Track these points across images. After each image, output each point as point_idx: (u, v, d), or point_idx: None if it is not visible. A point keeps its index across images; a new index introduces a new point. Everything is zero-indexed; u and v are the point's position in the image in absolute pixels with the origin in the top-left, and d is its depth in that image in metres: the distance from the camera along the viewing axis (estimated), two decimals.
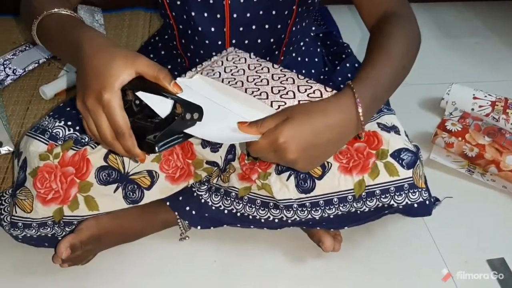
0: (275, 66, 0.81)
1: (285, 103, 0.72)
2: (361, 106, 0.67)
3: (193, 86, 0.74)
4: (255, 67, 0.81)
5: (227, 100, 0.73)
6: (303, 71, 1.01)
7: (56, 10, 0.71)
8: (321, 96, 0.74)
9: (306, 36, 1.01)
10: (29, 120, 1.24)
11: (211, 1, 0.84)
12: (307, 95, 0.74)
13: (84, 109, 0.63)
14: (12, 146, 1.13)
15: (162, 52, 1.03)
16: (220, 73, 0.79)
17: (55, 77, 1.37)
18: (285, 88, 0.76)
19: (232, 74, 0.79)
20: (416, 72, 1.42)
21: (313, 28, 1.06)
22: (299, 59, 1.01)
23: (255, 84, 0.77)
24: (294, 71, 0.79)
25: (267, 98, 0.74)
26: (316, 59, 1.04)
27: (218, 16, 0.86)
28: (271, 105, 0.72)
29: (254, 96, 0.74)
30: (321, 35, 1.11)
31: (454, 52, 1.60)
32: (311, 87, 0.76)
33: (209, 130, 0.67)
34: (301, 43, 0.99)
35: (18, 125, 1.22)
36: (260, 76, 0.79)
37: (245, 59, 0.83)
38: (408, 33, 0.79)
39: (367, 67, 0.73)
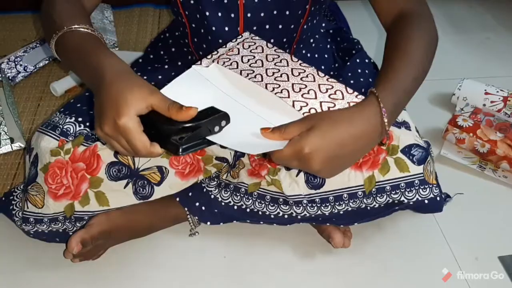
0: (294, 58, 0.79)
1: (307, 104, 0.71)
2: (386, 115, 0.66)
3: (210, 77, 0.74)
4: (273, 59, 0.78)
5: (248, 99, 0.72)
6: (313, 67, 1.00)
7: (76, 26, 0.71)
8: (343, 97, 0.71)
9: (316, 32, 1.00)
10: (40, 116, 1.25)
11: (225, 1, 0.84)
12: (329, 96, 0.72)
13: (104, 135, 0.63)
14: (23, 142, 1.14)
15: (173, 49, 1.03)
16: (237, 63, 0.77)
17: (65, 73, 1.38)
18: (306, 86, 0.74)
19: (250, 66, 0.77)
20: None
21: (323, 24, 1.06)
22: (308, 55, 1.00)
23: (275, 79, 0.75)
24: (313, 66, 0.78)
25: (289, 97, 0.72)
26: (326, 55, 1.03)
27: (232, 15, 0.85)
28: (293, 105, 0.70)
29: (275, 93, 0.72)
30: (331, 31, 1.10)
31: (465, 48, 1.58)
32: (332, 86, 0.73)
33: (230, 137, 0.66)
34: (311, 40, 0.99)
35: (29, 121, 1.23)
36: (279, 70, 0.76)
37: (262, 48, 0.80)
38: (427, 34, 0.77)
39: (388, 71, 0.72)
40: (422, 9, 0.81)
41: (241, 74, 0.75)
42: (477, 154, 1.12)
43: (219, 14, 0.85)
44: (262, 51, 0.79)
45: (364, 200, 0.85)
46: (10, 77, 1.34)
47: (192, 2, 0.85)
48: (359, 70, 0.98)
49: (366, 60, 1.01)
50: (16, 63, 1.38)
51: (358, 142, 0.65)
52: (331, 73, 1.01)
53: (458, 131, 1.14)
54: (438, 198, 0.85)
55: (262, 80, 0.74)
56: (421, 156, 0.83)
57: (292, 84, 0.74)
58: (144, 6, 1.71)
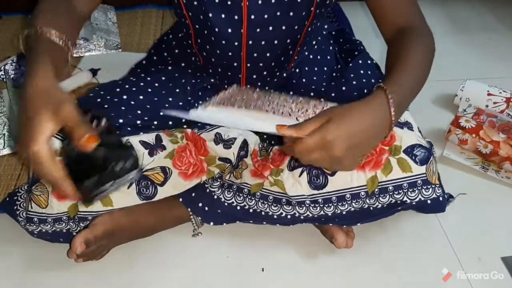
0: (288, 99, 0.81)
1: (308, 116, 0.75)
2: (393, 106, 0.71)
3: (208, 116, 0.76)
4: (265, 96, 0.82)
5: (247, 120, 0.74)
6: (315, 69, 1.01)
7: (43, 29, 0.71)
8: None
9: (319, 34, 1.01)
10: None
11: (229, 3, 0.84)
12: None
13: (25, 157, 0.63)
14: None
15: (176, 51, 1.03)
16: (232, 105, 0.79)
17: (69, 75, 1.38)
18: (303, 107, 0.77)
19: (244, 105, 0.79)
20: None
21: (326, 26, 1.06)
22: (311, 56, 1.01)
23: (272, 107, 0.78)
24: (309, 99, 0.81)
25: (290, 116, 0.76)
26: (328, 57, 1.03)
27: (236, 17, 0.85)
28: (296, 120, 0.74)
29: (274, 113, 0.76)
30: (333, 32, 1.11)
31: (468, 48, 1.58)
32: (327, 104, 0.78)
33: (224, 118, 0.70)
34: (314, 42, 0.99)
35: None
36: (275, 101, 0.80)
37: (253, 91, 0.84)
38: (427, 48, 0.83)
39: (393, 73, 0.76)
40: (421, 24, 0.86)
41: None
42: (479, 155, 1.12)
43: (223, 15, 0.85)
44: (253, 93, 0.82)
45: (367, 201, 0.85)
46: (14, 78, 1.34)
47: (195, 3, 0.86)
48: (362, 71, 0.98)
49: (369, 61, 1.01)
50: (21, 64, 1.38)
51: (373, 128, 0.70)
52: (334, 74, 1.01)
53: (461, 132, 1.14)
54: (440, 198, 0.85)
55: (261, 108, 0.78)
56: (423, 156, 0.83)
57: (290, 108, 0.78)
58: (147, 7, 1.72)
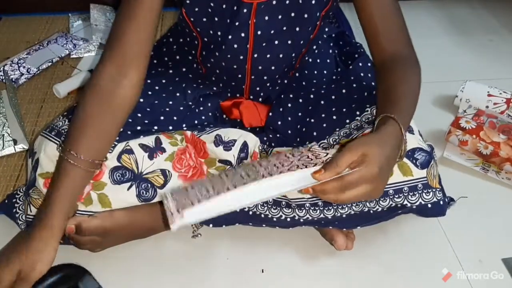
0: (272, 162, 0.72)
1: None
2: (405, 133, 0.75)
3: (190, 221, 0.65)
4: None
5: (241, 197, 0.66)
6: (315, 72, 1.01)
7: (73, 154, 0.78)
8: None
9: (319, 38, 1.01)
10: (43, 118, 1.25)
11: (237, 24, 0.85)
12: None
13: None
14: (26, 144, 1.14)
15: (177, 57, 1.03)
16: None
17: (68, 76, 1.38)
18: (300, 157, 0.73)
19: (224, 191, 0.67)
20: (429, 69, 1.40)
21: (326, 29, 1.06)
22: (310, 60, 1.01)
23: (262, 173, 0.69)
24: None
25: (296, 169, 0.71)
26: (328, 60, 1.04)
27: (243, 35, 0.86)
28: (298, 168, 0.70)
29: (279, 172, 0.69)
30: (333, 35, 1.10)
31: (468, 50, 1.58)
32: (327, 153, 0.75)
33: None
34: (314, 46, 0.99)
35: (32, 123, 1.24)
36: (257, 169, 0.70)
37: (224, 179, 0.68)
38: (418, 75, 0.86)
39: (398, 105, 0.79)
40: (412, 53, 0.89)
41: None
42: (480, 156, 1.12)
43: (230, 36, 0.86)
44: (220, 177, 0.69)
45: (367, 204, 0.85)
46: (13, 79, 1.34)
47: (204, 20, 0.86)
48: (362, 74, 0.98)
49: (369, 64, 1.01)
50: (20, 65, 1.38)
51: (394, 156, 0.74)
52: (333, 77, 1.01)
53: (461, 133, 1.14)
54: (441, 202, 0.85)
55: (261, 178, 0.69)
56: (424, 160, 0.83)
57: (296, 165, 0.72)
58: None
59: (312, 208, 0.86)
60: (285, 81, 0.99)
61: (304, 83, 1.00)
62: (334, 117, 0.91)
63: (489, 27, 1.71)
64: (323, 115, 0.93)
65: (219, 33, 0.86)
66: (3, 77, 1.33)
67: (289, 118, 0.97)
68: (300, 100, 0.98)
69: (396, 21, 0.87)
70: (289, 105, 0.98)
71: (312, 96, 0.97)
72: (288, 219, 0.90)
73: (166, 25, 1.64)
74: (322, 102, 0.96)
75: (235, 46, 0.87)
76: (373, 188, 0.69)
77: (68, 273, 0.83)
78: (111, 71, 0.80)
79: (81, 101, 0.81)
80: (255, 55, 0.89)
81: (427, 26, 1.69)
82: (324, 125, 0.92)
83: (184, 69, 1.00)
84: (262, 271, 0.91)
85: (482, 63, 1.51)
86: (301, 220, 0.89)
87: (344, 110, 0.92)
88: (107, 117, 0.80)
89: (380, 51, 0.88)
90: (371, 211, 0.86)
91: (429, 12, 1.79)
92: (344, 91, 0.96)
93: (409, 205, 0.84)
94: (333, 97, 0.95)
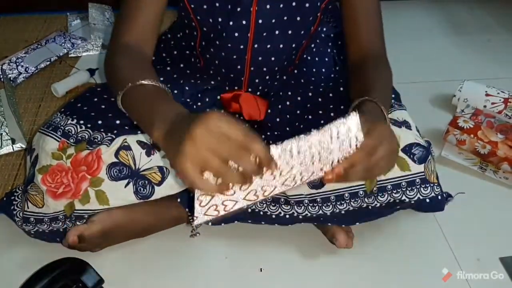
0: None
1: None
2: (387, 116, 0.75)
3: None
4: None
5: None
6: (314, 70, 1.01)
7: (141, 82, 0.72)
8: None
9: (318, 37, 1.01)
10: (41, 117, 1.25)
11: (238, 9, 0.84)
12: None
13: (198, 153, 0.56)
14: (24, 143, 1.14)
15: (175, 52, 1.03)
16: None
17: (66, 75, 1.38)
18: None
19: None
20: (427, 69, 1.41)
21: (324, 29, 1.06)
22: (309, 58, 1.01)
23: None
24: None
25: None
26: (327, 59, 1.04)
27: (244, 22, 0.86)
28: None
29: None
30: (331, 35, 1.11)
31: (466, 49, 1.58)
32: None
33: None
34: (312, 45, 1.00)
35: (30, 122, 1.24)
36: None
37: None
38: (390, 72, 0.87)
39: (375, 90, 0.78)
40: (385, 56, 0.90)
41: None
42: (477, 156, 1.12)
43: (231, 23, 0.86)
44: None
45: (366, 200, 0.85)
46: (11, 78, 1.34)
47: (205, 7, 0.86)
48: None
49: None
50: (18, 64, 1.38)
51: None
52: (332, 75, 1.01)
53: (459, 132, 1.14)
54: (439, 197, 0.86)
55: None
56: (422, 155, 0.83)
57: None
58: None
59: (311, 204, 0.86)
60: (284, 77, 0.99)
61: (302, 80, 1.00)
62: (332, 115, 0.91)
63: (487, 27, 1.71)
64: (320, 113, 0.94)
65: (219, 19, 0.86)
66: (1, 76, 1.33)
67: (287, 116, 0.97)
68: (299, 98, 0.98)
69: (378, 22, 0.89)
70: (287, 102, 0.98)
71: (310, 94, 0.97)
72: (287, 216, 0.90)
73: (164, 23, 1.64)
74: (320, 99, 0.96)
75: (236, 34, 0.87)
76: (392, 143, 0.67)
77: (69, 267, 0.83)
78: (129, 40, 0.82)
79: (110, 62, 0.81)
80: (256, 45, 0.89)
81: (425, 26, 1.69)
82: (322, 122, 0.92)
83: (182, 65, 1.00)
84: (261, 270, 0.91)
85: (480, 63, 1.52)
86: (300, 217, 0.89)
87: (342, 107, 0.92)
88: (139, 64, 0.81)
89: (358, 49, 0.89)
90: (370, 207, 0.86)
91: (427, 12, 1.79)
92: (341, 89, 0.96)
93: (407, 200, 0.84)
94: (330, 95, 0.96)
